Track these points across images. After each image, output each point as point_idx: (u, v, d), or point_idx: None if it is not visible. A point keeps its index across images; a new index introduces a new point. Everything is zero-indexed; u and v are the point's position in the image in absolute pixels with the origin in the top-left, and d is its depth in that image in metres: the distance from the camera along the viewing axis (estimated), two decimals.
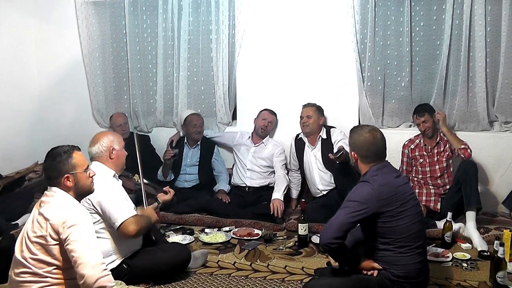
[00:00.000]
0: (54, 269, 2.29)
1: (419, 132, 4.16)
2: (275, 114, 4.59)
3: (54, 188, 2.37)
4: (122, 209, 2.82)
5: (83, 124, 5.24)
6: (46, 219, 2.26)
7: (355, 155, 2.69)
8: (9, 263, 2.43)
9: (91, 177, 2.47)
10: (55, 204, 2.32)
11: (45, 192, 2.41)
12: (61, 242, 2.24)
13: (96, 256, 2.25)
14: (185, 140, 4.74)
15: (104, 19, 5.10)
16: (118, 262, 2.89)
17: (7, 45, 4.90)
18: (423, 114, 4.03)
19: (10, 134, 4.90)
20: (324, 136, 4.29)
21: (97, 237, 2.77)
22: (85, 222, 2.31)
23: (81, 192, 2.44)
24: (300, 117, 4.33)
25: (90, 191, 2.49)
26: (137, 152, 3.42)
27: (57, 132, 5.24)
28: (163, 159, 4.59)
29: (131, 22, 4.93)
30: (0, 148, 4.43)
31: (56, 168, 2.36)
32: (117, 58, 5.14)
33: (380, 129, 2.75)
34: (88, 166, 2.47)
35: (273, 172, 4.48)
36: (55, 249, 2.26)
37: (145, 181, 3.48)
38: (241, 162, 4.58)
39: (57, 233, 2.23)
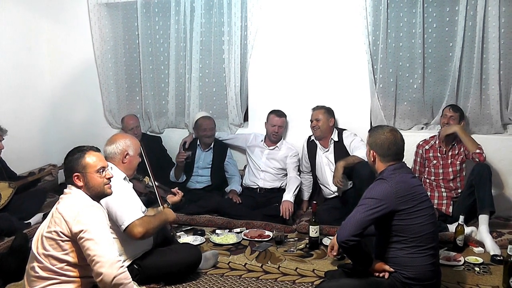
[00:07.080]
0: (66, 265, 2.31)
1: (434, 134, 4.15)
2: (284, 116, 4.53)
3: (71, 186, 2.43)
4: (129, 211, 2.81)
5: (95, 124, 5.29)
6: (60, 213, 2.30)
7: (374, 153, 2.69)
8: (23, 261, 2.46)
9: (107, 179, 2.48)
10: (70, 200, 2.38)
11: (64, 189, 2.46)
12: (73, 238, 2.27)
13: (112, 254, 2.27)
14: (198, 142, 4.73)
15: (116, 20, 5.14)
16: (127, 262, 2.88)
17: (20, 46, 4.95)
18: (457, 110, 4.01)
19: (24, 134, 4.95)
20: (336, 139, 4.27)
21: None
22: (99, 220, 2.34)
23: (94, 193, 2.44)
24: (310, 120, 4.32)
25: (103, 192, 2.48)
26: (144, 156, 3.39)
27: (69, 132, 5.30)
28: (176, 161, 4.60)
29: (144, 23, 4.96)
30: (14, 148, 4.46)
31: (68, 166, 2.44)
32: (129, 59, 5.18)
33: None
34: (103, 168, 2.46)
35: (286, 174, 4.47)
36: (67, 245, 2.29)
37: (155, 183, 3.49)
38: (254, 163, 4.57)
39: (70, 228, 2.26)
